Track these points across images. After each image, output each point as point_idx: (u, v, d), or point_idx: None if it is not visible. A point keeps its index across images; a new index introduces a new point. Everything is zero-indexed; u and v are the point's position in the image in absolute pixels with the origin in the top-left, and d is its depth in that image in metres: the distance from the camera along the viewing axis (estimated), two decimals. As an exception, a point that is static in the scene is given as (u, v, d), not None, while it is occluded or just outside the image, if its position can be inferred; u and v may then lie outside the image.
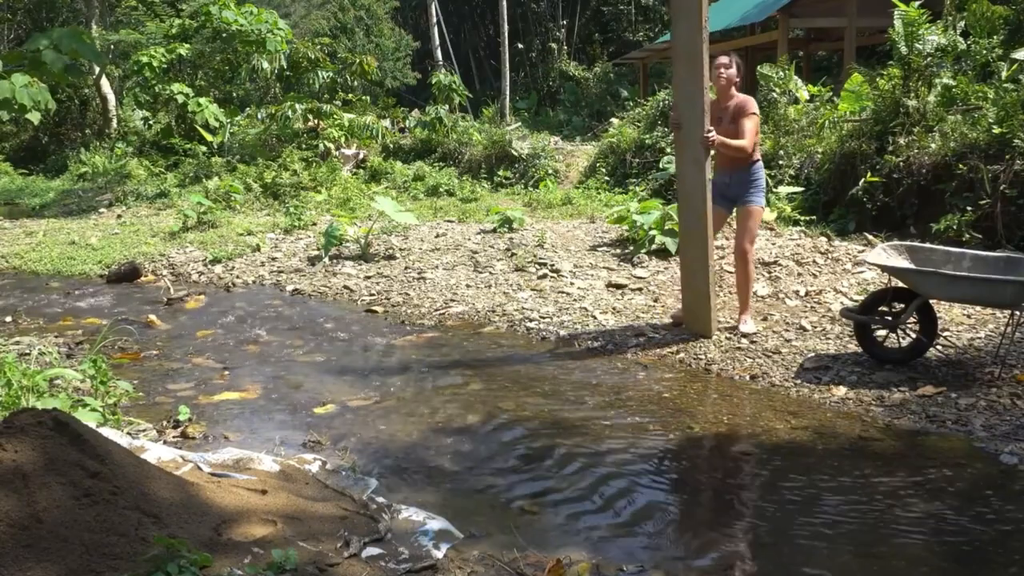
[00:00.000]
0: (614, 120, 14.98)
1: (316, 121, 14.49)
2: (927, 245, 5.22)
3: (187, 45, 15.55)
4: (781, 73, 10.34)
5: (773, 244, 7.33)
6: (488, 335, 5.95)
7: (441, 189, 12.35)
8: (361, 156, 14.42)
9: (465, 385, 4.85)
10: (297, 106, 14.21)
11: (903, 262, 4.77)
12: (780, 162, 8.98)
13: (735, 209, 5.45)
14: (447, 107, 16.22)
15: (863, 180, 7.77)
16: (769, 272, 6.67)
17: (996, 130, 7.04)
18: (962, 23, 8.60)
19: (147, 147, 15.81)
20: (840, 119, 9.09)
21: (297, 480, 3.37)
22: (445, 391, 4.76)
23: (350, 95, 16.76)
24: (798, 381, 4.66)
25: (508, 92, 21.25)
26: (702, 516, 3.34)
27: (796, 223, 8.05)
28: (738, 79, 5.30)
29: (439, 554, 2.85)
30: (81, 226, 11.23)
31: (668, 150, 10.24)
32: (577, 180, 12.59)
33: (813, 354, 5.02)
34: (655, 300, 6.39)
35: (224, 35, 15.31)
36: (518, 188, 12.39)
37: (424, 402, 4.57)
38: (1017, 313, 4.46)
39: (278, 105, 14.81)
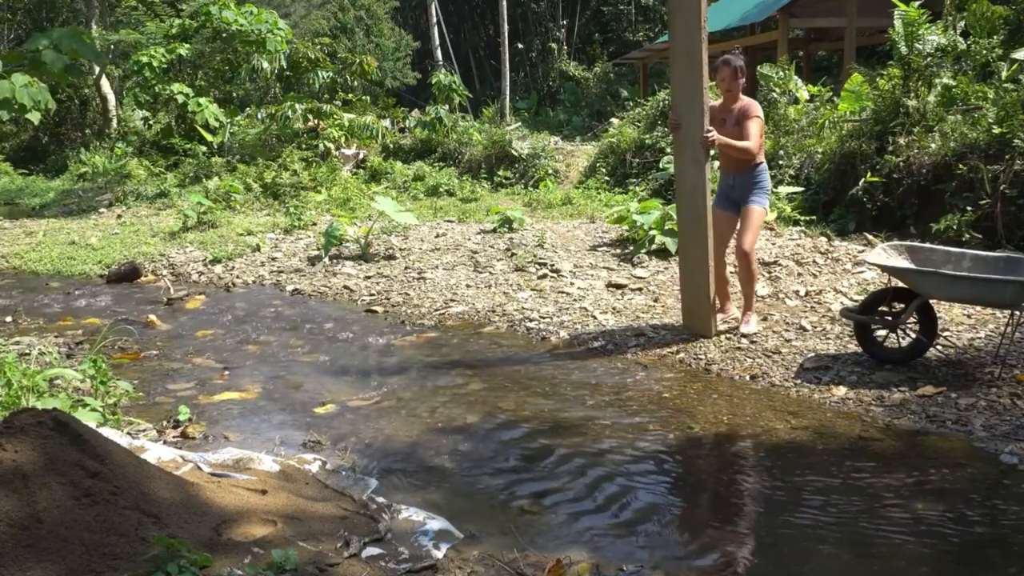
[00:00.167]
0: (614, 120, 14.98)
1: (316, 121, 14.49)
2: (927, 245, 5.22)
3: (187, 45, 15.55)
4: (781, 73, 10.34)
5: (773, 244, 7.33)
6: (488, 335, 5.95)
7: (441, 189, 12.35)
8: (361, 156, 14.42)
9: (465, 385, 4.85)
10: (297, 106, 14.21)
11: (903, 262, 4.77)
12: (780, 162, 8.98)
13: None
14: (447, 107, 16.23)
15: (863, 180, 7.77)
16: (769, 272, 6.67)
17: (996, 130, 7.04)
18: (962, 23, 8.60)
19: (147, 147, 15.81)
20: (840, 119, 9.09)
21: (297, 480, 3.37)
22: (445, 391, 4.76)
23: (350, 95, 16.76)
24: (798, 381, 4.66)
25: (508, 92, 21.25)
26: (702, 516, 3.34)
27: (796, 223, 8.05)
28: (743, 79, 5.26)
29: (439, 554, 2.85)
30: (81, 226, 11.23)
31: (668, 150, 10.24)
32: (577, 180, 12.59)
33: (813, 354, 5.02)
34: (655, 300, 6.39)
35: (224, 35, 15.32)
36: (518, 188, 12.39)
37: (424, 402, 4.57)
38: (1017, 313, 4.46)
39: (278, 105, 14.82)
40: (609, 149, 12.23)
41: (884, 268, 4.69)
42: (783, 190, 8.51)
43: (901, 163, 7.58)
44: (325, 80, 16.15)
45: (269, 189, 12.42)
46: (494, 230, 8.92)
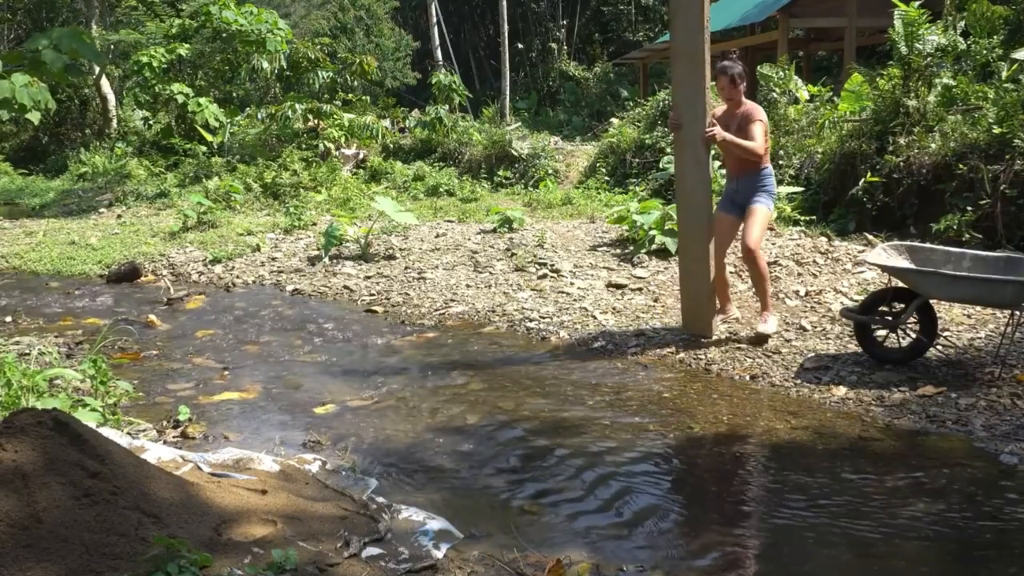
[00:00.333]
0: (614, 120, 14.98)
1: (316, 121, 14.49)
2: (927, 245, 5.22)
3: (187, 45, 15.55)
4: (781, 73, 10.34)
5: (773, 244, 7.33)
6: (488, 335, 5.95)
7: (441, 189, 12.35)
8: (361, 156, 14.42)
9: (465, 385, 4.85)
10: (297, 106, 14.21)
11: (903, 262, 4.77)
12: (780, 162, 8.97)
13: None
14: (447, 107, 16.22)
15: (863, 180, 7.77)
16: (769, 272, 6.67)
17: (996, 130, 7.04)
18: (962, 23, 8.60)
19: (147, 147, 15.81)
20: (840, 119, 9.09)
21: (297, 480, 3.37)
22: (445, 391, 4.76)
23: (350, 95, 16.76)
24: (798, 381, 4.66)
25: (508, 92, 21.25)
26: (702, 516, 3.34)
27: (796, 223, 8.05)
28: (742, 84, 5.17)
29: (439, 554, 2.85)
30: (81, 226, 11.23)
31: (668, 150, 10.24)
32: (577, 180, 12.59)
33: (813, 354, 5.02)
34: (655, 300, 6.39)
35: (224, 35, 15.32)
36: (518, 188, 12.39)
37: (424, 402, 4.57)
38: (1017, 313, 4.46)
39: (278, 105, 14.81)
40: (609, 149, 12.22)
41: (884, 268, 4.69)
42: (783, 190, 8.50)
43: (901, 163, 7.58)
44: (325, 80, 16.15)
45: (269, 189, 12.42)
46: (494, 230, 8.92)
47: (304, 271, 8.12)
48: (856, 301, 5.75)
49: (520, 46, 27.68)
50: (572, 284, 6.91)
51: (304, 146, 14.12)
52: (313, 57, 16.17)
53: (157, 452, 3.49)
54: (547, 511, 3.30)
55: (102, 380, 4.40)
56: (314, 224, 10.19)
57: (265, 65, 15.59)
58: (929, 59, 7.99)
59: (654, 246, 7.44)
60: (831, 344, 5.17)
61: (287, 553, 2.58)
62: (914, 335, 4.77)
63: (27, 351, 4.99)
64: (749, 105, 5.22)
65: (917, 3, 8.11)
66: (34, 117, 7.57)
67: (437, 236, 8.98)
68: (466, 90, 18.26)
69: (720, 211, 5.40)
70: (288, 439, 4.02)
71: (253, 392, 4.81)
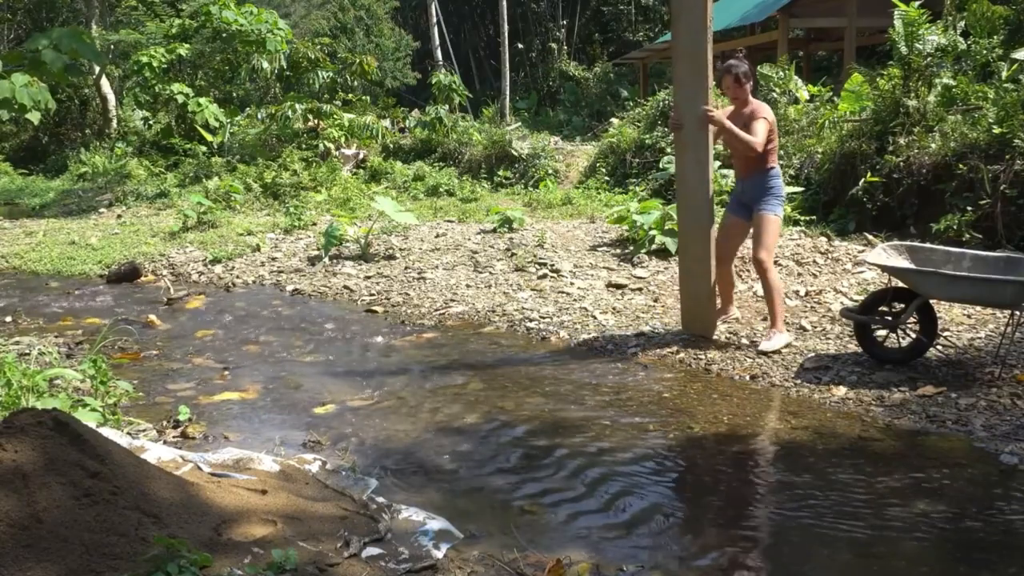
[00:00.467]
0: (614, 120, 14.97)
1: (316, 121, 14.49)
2: (927, 245, 5.22)
3: (187, 45, 15.54)
4: (781, 73, 10.35)
5: (773, 244, 7.33)
6: (488, 335, 5.95)
7: (441, 189, 12.35)
8: (361, 156, 14.42)
9: (465, 385, 4.85)
10: (297, 106, 14.21)
11: (903, 262, 4.77)
12: (780, 162, 8.95)
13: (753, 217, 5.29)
14: (447, 107, 16.22)
15: (863, 180, 7.77)
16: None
17: (996, 130, 7.04)
18: (962, 23, 8.60)
19: (147, 147, 15.81)
20: (840, 119, 9.09)
21: (297, 480, 3.37)
22: (445, 391, 4.76)
23: (350, 95, 16.76)
24: (798, 381, 4.66)
25: (508, 92, 21.25)
26: (702, 516, 3.34)
27: (796, 223, 8.05)
28: (748, 83, 5.12)
29: (439, 554, 2.85)
30: (81, 226, 11.23)
31: (668, 150, 10.24)
32: (577, 180, 12.59)
33: (813, 354, 5.02)
34: (655, 300, 6.39)
35: (224, 35, 15.32)
36: (518, 188, 12.39)
37: (424, 402, 4.57)
38: (1017, 313, 4.46)
39: (278, 105, 14.81)
40: (609, 149, 12.22)
41: (884, 268, 4.69)
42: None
43: (901, 163, 7.58)
44: (325, 80, 16.15)
45: (269, 189, 12.42)
46: (494, 230, 8.92)
47: (304, 271, 8.12)
48: (856, 301, 5.75)
49: (520, 46, 27.68)
50: (572, 284, 6.91)
51: (304, 146, 14.12)
52: (313, 57, 16.17)
53: (157, 452, 3.49)
54: (547, 511, 3.30)
55: (102, 380, 4.40)
56: (314, 224, 10.19)
57: (265, 65, 15.59)
58: (929, 59, 7.99)
59: (654, 246, 7.44)
60: (831, 344, 5.17)
61: (287, 553, 2.58)
62: (914, 335, 4.77)
63: (27, 351, 4.99)
64: (756, 104, 5.17)
65: (917, 3, 8.11)
66: (34, 117, 7.57)
67: (437, 236, 8.98)
68: (466, 90, 18.26)
69: (728, 212, 5.39)
70: (288, 439, 4.02)
71: (253, 392, 4.81)
